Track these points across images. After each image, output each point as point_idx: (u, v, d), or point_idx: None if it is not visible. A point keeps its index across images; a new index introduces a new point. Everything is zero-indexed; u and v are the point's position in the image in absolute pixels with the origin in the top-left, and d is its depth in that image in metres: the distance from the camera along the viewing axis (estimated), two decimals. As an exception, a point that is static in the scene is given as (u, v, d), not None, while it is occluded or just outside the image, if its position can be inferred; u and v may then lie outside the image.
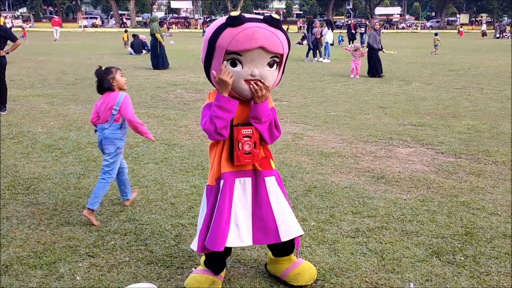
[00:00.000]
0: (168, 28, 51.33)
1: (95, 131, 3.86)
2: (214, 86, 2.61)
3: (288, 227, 2.70)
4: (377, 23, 15.87)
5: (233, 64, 2.49)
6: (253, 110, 2.57)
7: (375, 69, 13.96)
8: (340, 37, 31.39)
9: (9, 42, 8.15)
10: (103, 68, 3.78)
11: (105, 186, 3.75)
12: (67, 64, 16.49)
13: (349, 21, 37.95)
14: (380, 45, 14.15)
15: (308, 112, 8.39)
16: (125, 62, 17.35)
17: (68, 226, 3.67)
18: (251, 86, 2.51)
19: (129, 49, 21.75)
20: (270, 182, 2.71)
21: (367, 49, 14.20)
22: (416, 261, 3.16)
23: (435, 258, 3.20)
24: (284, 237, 2.69)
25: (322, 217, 3.85)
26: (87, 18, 62.82)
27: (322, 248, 3.32)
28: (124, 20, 59.09)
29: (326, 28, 19.85)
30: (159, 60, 15.44)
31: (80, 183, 4.61)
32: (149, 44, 16.74)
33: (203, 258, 2.89)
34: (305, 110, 8.58)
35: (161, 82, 12.28)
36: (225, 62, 2.48)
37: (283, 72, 2.69)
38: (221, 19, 2.53)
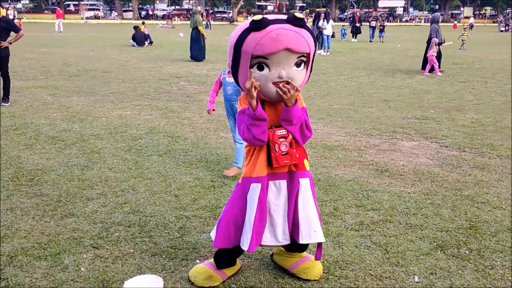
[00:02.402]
0: (171, 20, 51.17)
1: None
2: (243, 91, 2.59)
3: (310, 231, 2.69)
4: (439, 16, 14.49)
5: (260, 68, 2.46)
6: (284, 112, 2.54)
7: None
8: (343, 30, 29.07)
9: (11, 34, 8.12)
10: None
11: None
12: (69, 55, 16.47)
13: (354, 13, 33.71)
14: (442, 39, 13.28)
15: (311, 105, 8.36)
16: (128, 54, 17.32)
17: (72, 217, 3.68)
18: (278, 88, 2.48)
19: (131, 41, 21.70)
20: (303, 184, 2.70)
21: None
22: (420, 255, 3.16)
23: (439, 252, 3.20)
24: (303, 240, 2.69)
25: (326, 210, 3.85)
26: (93, 9, 62.62)
27: (326, 241, 3.32)
28: (150, 13, 58.56)
29: (322, 20, 19.49)
30: (201, 52, 15.64)
31: (84, 175, 4.62)
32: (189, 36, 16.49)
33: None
34: (309, 103, 8.56)
35: (164, 74, 12.26)
36: (251, 69, 2.46)
37: (311, 70, 2.65)
38: (244, 23, 2.49)
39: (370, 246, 3.26)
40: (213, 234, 2.82)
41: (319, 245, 2.79)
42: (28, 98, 8.62)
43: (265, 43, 2.37)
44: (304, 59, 2.52)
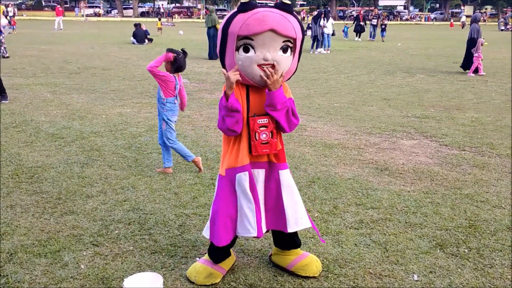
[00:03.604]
0: (172, 18, 51.12)
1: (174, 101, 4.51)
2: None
3: (297, 219, 2.74)
4: (481, 15, 14.25)
5: (246, 50, 2.48)
6: (268, 97, 2.55)
7: (471, 63, 12.66)
8: (346, 29, 27.99)
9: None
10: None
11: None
12: (69, 53, 16.46)
13: (358, 12, 32.70)
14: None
15: (311, 103, 8.36)
16: (128, 52, 17.31)
17: (72, 215, 3.68)
18: (263, 70, 2.49)
19: (131, 38, 21.67)
20: (284, 175, 2.73)
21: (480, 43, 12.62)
22: (420, 253, 3.16)
23: (438, 250, 3.20)
24: (291, 229, 2.73)
25: (326, 209, 3.85)
26: (93, 6, 62.49)
27: (326, 239, 3.33)
28: (162, 10, 58.36)
29: (322, 19, 19.37)
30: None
31: (83, 172, 4.62)
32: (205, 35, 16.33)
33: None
34: (309, 101, 8.56)
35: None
36: (239, 52, 2.48)
37: (299, 60, 2.66)
38: (234, 10, 2.56)
39: (369, 245, 3.26)
40: (206, 233, 2.80)
41: (315, 228, 2.88)
42: (28, 96, 8.62)
43: (250, 23, 2.42)
44: (290, 44, 2.53)
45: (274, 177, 2.72)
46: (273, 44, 2.47)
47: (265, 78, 2.49)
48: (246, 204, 2.65)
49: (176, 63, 4.40)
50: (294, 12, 2.54)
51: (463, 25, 43.66)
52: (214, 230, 2.72)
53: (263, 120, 2.59)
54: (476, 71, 12.52)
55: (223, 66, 2.63)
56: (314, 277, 2.85)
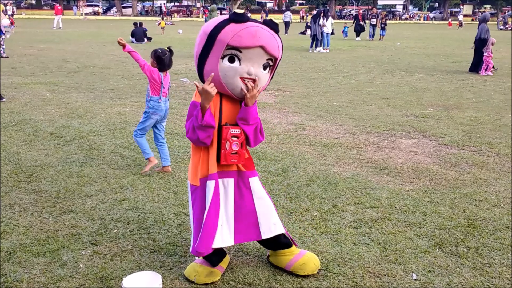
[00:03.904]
0: (171, 17, 51.06)
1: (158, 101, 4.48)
2: (204, 82, 2.59)
3: (269, 225, 2.76)
4: (489, 16, 13.86)
5: (231, 60, 2.51)
6: (243, 111, 2.59)
7: (480, 63, 12.52)
8: (346, 28, 27.58)
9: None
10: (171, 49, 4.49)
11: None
12: (68, 52, 16.44)
13: (357, 11, 31.79)
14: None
15: (310, 103, 8.36)
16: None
17: (71, 214, 3.68)
18: (245, 84, 2.53)
19: (130, 37, 21.65)
20: (254, 182, 2.76)
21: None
22: (418, 252, 3.16)
23: (437, 249, 3.21)
24: (265, 235, 2.76)
25: (325, 208, 3.85)
26: (93, 5, 62.37)
27: (325, 238, 3.33)
28: (164, 9, 58.21)
29: (321, 18, 19.29)
30: None
31: (82, 171, 4.61)
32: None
33: None
34: (308, 101, 8.56)
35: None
36: (224, 61, 2.50)
37: (272, 77, 2.73)
38: (222, 16, 2.57)
39: (368, 244, 3.27)
40: (197, 250, 2.71)
41: (288, 235, 2.89)
42: (27, 94, 8.60)
43: (243, 36, 2.45)
44: (271, 63, 2.62)
45: (245, 185, 2.73)
46: (258, 60, 2.53)
47: (245, 91, 2.54)
48: (204, 216, 2.64)
49: (161, 62, 4.40)
50: (278, 33, 2.62)
51: (460, 24, 43.70)
52: (200, 239, 2.66)
53: (236, 131, 2.61)
54: (486, 69, 12.35)
55: (200, 70, 2.62)
56: (313, 276, 2.85)
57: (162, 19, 30.02)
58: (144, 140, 4.64)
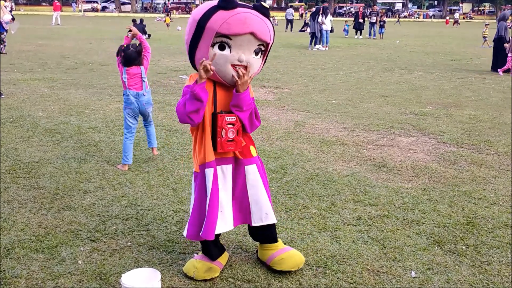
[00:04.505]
0: (170, 13, 50.89)
1: (127, 96, 4.56)
2: (196, 70, 2.59)
3: (261, 214, 2.76)
4: (509, 14, 13.51)
5: (222, 48, 2.50)
6: (235, 98, 2.58)
7: (500, 63, 12.23)
8: (347, 26, 27.00)
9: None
10: (138, 45, 4.56)
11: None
12: (67, 48, 16.40)
13: (357, 9, 31.05)
14: (509, 37, 12.35)
15: (309, 100, 8.36)
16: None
17: (70, 210, 3.67)
18: (236, 71, 2.52)
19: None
20: (250, 171, 2.74)
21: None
22: (417, 250, 3.16)
23: (436, 247, 3.21)
24: (255, 223, 2.76)
25: (324, 205, 3.85)
26: (91, 1, 62.16)
27: (324, 236, 3.33)
28: (169, 6, 57.98)
29: (320, 15, 19.18)
30: None
31: (81, 168, 4.60)
32: None
33: None
34: (307, 98, 8.55)
35: (162, 68, 12.22)
36: (214, 48, 2.48)
37: (264, 62, 2.72)
38: (210, 2, 2.53)
39: (367, 241, 3.27)
40: (185, 232, 2.76)
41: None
42: (26, 91, 8.58)
43: (232, 23, 2.43)
44: (262, 48, 2.60)
45: (240, 173, 2.73)
46: (249, 46, 2.52)
47: (237, 78, 2.52)
48: (207, 203, 2.66)
49: (122, 57, 4.49)
50: (269, 18, 2.59)
51: (455, 22, 43.74)
52: (194, 228, 2.70)
53: (231, 118, 2.60)
54: (507, 71, 12.04)
55: (191, 57, 2.61)
56: (312, 273, 2.85)
57: (168, 15, 30.03)
58: (128, 144, 4.63)
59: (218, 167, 2.67)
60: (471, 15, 56.36)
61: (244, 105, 2.59)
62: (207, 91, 2.53)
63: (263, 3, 2.57)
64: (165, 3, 59.77)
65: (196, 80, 2.50)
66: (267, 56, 2.70)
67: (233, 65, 2.52)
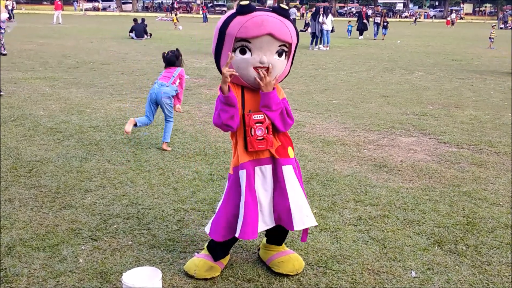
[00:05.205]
0: (171, 13, 50.89)
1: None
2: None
3: (302, 217, 2.72)
4: None
5: (243, 52, 2.52)
6: (263, 98, 2.59)
7: None
8: (350, 27, 26.50)
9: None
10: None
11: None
12: (68, 47, 16.41)
13: (361, 8, 30.08)
14: None
15: (310, 100, 8.36)
16: (127, 47, 17.26)
17: (71, 209, 3.68)
18: (258, 73, 2.53)
19: (130, 33, 21.62)
20: (287, 170, 2.72)
21: None
22: (417, 250, 3.17)
23: (436, 247, 3.21)
24: (297, 227, 2.71)
25: (324, 205, 3.85)
26: (93, 0, 62.13)
27: (324, 235, 3.33)
28: (175, 6, 57.86)
29: (321, 15, 19.14)
30: None
31: (82, 167, 4.61)
32: None
33: (206, 243, 2.91)
34: (308, 98, 8.56)
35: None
36: (236, 53, 2.52)
37: (292, 63, 2.72)
38: (232, 10, 2.58)
39: (367, 241, 3.27)
40: (208, 229, 2.80)
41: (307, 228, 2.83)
42: (27, 90, 8.59)
43: (249, 26, 2.45)
44: (285, 49, 2.59)
45: (279, 173, 2.71)
46: (270, 48, 2.52)
47: (259, 80, 2.54)
48: (241, 205, 2.66)
49: (164, 60, 5.42)
50: (290, 18, 2.60)
51: (451, 23, 43.77)
52: (216, 226, 2.73)
53: (259, 116, 2.60)
54: None
55: (218, 65, 2.65)
56: (312, 272, 2.85)
57: (176, 15, 30.12)
58: (144, 118, 5.23)
59: (257, 168, 2.67)
60: (462, 15, 56.32)
61: (272, 105, 2.58)
62: (234, 96, 2.56)
63: (282, 5, 2.57)
64: (172, 3, 59.73)
65: (221, 87, 2.53)
66: (293, 57, 2.69)
67: (255, 68, 2.53)
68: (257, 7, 2.53)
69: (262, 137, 2.62)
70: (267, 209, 2.71)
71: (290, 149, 2.77)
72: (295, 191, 2.73)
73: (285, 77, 2.76)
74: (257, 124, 2.60)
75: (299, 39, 2.71)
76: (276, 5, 2.58)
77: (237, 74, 2.53)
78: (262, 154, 2.68)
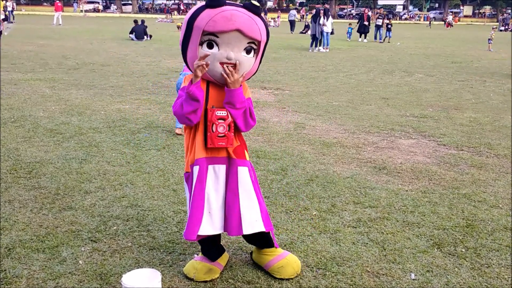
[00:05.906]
0: (171, 14, 50.98)
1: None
2: (190, 70, 2.58)
3: (251, 221, 2.66)
4: None
5: (210, 46, 2.47)
6: (227, 95, 2.54)
7: None
8: (350, 29, 25.69)
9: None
10: None
11: None
12: (68, 48, 16.42)
13: (363, 11, 28.44)
14: None
15: (310, 102, 8.37)
16: (126, 48, 17.27)
17: (71, 210, 3.68)
18: (223, 68, 2.48)
19: (130, 35, 21.64)
20: (243, 172, 2.66)
21: None
22: (417, 252, 3.17)
23: (436, 250, 3.21)
24: (246, 230, 2.65)
25: (324, 207, 3.86)
26: (93, 2, 62.16)
27: (324, 237, 3.34)
28: (182, 8, 57.74)
29: (321, 17, 19.10)
30: None
31: (82, 168, 4.62)
32: None
33: None
34: (307, 100, 8.56)
35: (163, 69, 12.24)
36: (203, 47, 2.47)
37: (260, 62, 2.67)
38: (201, 2, 2.54)
39: (367, 243, 3.27)
40: (183, 233, 2.73)
41: (271, 233, 2.81)
42: (27, 91, 8.60)
43: (217, 20, 2.40)
44: (254, 46, 2.54)
45: (233, 174, 2.65)
46: (238, 44, 2.47)
47: (225, 76, 2.49)
48: (191, 203, 2.61)
49: None
50: (261, 15, 2.56)
51: (448, 25, 43.89)
52: (187, 227, 2.64)
53: (222, 113, 2.55)
54: None
55: (184, 58, 2.61)
56: (312, 274, 2.86)
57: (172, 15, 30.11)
58: None
59: (210, 166, 2.62)
60: (453, 18, 56.39)
61: (236, 103, 2.54)
62: (202, 90, 2.52)
63: (253, 1, 2.51)
64: (178, 5, 59.75)
65: (191, 80, 2.50)
66: (262, 55, 2.64)
67: (222, 63, 2.48)
68: (227, 2, 2.48)
69: (223, 134, 2.56)
70: (217, 213, 2.64)
71: (245, 152, 2.72)
72: (248, 193, 2.66)
73: (253, 75, 2.71)
74: (219, 121, 2.55)
75: (269, 38, 2.62)
76: (248, 2, 2.52)
77: (209, 62, 2.46)
78: (219, 152, 2.62)
